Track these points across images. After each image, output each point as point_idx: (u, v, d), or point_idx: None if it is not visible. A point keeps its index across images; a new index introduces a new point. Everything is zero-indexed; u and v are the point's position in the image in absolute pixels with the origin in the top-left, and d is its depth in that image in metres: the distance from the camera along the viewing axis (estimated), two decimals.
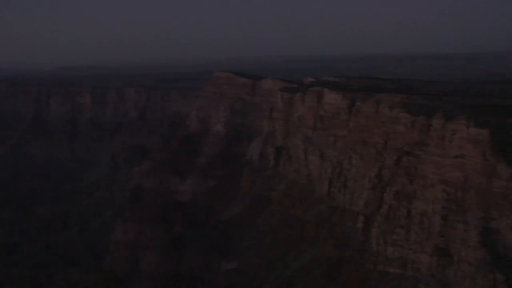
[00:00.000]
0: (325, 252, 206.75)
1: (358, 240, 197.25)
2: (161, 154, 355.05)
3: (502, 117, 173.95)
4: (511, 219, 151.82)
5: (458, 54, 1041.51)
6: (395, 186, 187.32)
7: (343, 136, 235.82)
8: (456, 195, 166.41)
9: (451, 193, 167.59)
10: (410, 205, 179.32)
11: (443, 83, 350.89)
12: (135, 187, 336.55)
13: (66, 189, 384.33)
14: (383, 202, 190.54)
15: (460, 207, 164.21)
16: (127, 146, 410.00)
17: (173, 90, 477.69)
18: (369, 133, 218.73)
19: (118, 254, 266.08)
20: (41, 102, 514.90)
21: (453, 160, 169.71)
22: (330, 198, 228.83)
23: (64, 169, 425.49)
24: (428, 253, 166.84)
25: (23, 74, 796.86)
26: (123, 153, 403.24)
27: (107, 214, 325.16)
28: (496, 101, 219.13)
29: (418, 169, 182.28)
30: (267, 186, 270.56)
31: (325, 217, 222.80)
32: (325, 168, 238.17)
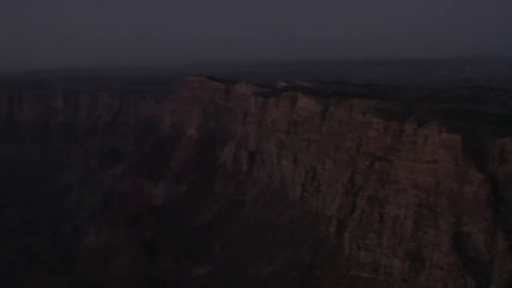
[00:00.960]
0: (298, 256, 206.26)
1: (331, 244, 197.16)
2: (134, 157, 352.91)
3: (474, 123, 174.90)
4: (482, 224, 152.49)
5: (429, 60, 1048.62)
6: (368, 191, 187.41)
7: (316, 141, 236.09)
8: (428, 200, 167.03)
9: (423, 198, 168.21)
10: (382, 209, 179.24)
11: (415, 89, 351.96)
12: (108, 190, 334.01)
13: (38, 193, 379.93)
14: (355, 206, 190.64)
15: (432, 212, 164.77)
16: (100, 150, 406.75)
17: (147, 93, 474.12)
18: (342, 138, 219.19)
19: (89, 258, 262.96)
20: (13, 105, 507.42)
21: (425, 165, 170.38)
22: (303, 202, 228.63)
23: (36, 172, 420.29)
24: (400, 258, 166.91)
25: None
26: (96, 157, 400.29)
27: (79, 218, 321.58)
28: (468, 107, 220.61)
29: (390, 174, 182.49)
30: (240, 190, 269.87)
31: (298, 221, 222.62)
32: (298, 172, 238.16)
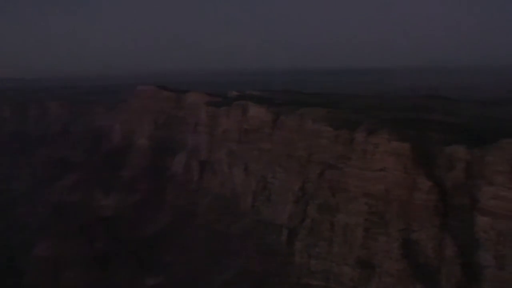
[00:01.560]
0: (250, 265, 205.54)
1: (282, 253, 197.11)
2: (84, 168, 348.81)
3: (422, 131, 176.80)
4: (430, 231, 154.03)
5: (378, 69, 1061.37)
6: (319, 199, 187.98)
7: (267, 150, 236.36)
8: (378, 208, 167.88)
9: (373, 205, 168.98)
10: (333, 218, 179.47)
11: (364, 97, 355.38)
12: (58, 202, 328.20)
13: None
14: (306, 215, 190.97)
15: (382, 220, 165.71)
16: (50, 160, 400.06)
17: (97, 103, 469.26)
18: (293, 146, 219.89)
19: (39, 270, 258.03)
20: None
21: (375, 173, 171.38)
22: (254, 211, 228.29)
23: None
24: (351, 266, 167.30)
25: None
26: (45, 167, 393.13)
27: (28, 230, 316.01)
28: (416, 115, 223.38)
29: (341, 182, 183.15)
30: (191, 200, 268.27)
31: (249, 230, 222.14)
32: (249, 181, 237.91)
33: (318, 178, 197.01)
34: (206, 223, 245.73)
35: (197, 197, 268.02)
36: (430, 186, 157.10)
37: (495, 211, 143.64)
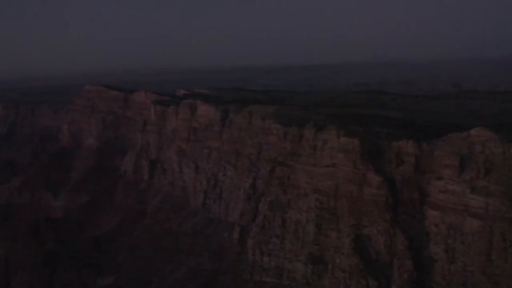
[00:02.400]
0: (201, 264, 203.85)
1: (234, 251, 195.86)
2: (32, 169, 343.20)
3: (370, 126, 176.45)
4: (381, 226, 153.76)
5: (325, 65, 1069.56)
6: (270, 196, 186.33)
7: (217, 148, 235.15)
8: (328, 204, 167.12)
9: (324, 201, 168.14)
10: (284, 214, 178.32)
11: (312, 94, 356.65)
12: (6, 204, 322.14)
13: None
14: (258, 212, 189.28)
15: (333, 215, 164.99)
16: None
17: (43, 104, 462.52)
18: (242, 144, 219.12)
19: None
20: None
21: (325, 169, 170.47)
22: (205, 210, 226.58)
23: None
24: (303, 262, 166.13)
25: None
26: None
27: None
28: (364, 111, 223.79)
29: (291, 179, 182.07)
30: (142, 200, 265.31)
31: (200, 229, 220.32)
32: (199, 180, 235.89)
33: (269, 175, 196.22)
34: (156, 222, 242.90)
35: (147, 196, 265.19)
36: (380, 181, 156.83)
37: (444, 204, 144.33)
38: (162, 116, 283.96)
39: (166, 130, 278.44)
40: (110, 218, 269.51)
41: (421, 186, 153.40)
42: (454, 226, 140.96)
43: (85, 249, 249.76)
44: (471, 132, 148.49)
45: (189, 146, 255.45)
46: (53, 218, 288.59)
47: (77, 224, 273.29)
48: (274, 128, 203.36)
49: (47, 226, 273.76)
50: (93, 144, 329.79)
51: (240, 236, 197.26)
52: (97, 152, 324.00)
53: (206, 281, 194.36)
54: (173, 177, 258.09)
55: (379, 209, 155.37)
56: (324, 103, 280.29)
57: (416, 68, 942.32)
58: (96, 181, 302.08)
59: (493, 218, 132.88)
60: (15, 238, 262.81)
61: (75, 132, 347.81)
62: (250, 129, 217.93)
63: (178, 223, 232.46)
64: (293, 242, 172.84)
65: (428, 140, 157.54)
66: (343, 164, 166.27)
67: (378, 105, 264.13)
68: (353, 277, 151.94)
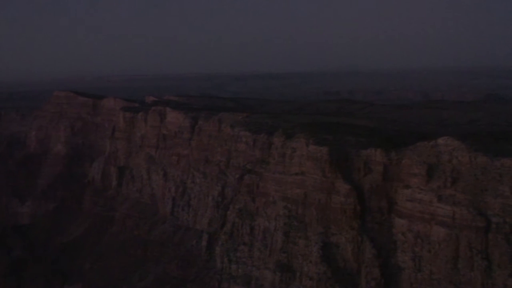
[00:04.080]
0: (169, 271, 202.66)
1: (202, 258, 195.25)
2: None
3: (339, 135, 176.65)
4: (349, 234, 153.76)
5: (291, 73, 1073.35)
6: (238, 204, 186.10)
7: (186, 155, 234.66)
8: (297, 212, 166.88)
9: (292, 209, 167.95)
10: (253, 222, 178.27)
11: (282, 102, 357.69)
12: None
13: None
14: (226, 220, 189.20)
15: (301, 223, 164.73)
16: None
17: (10, 109, 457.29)
18: (212, 151, 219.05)
19: None
20: None
21: (294, 177, 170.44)
22: (174, 217, 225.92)
23: None
24: (271, 269, 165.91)
25: None
26: None
27: None
28: (333, 119, 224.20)
29: (260, 187, 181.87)
30: (110, 207, 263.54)
31: (169, 236, 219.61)
32: (168, 187, 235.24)
33: (237, 183, 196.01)
34: (124, 229, 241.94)
35: (115, 203, 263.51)
36: (348, 190, 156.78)
37: (411, 213, 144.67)
38: (131, 122, 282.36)
39: (135, 137, 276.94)
40: (78, 225, 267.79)
41: (389, 194, 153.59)
42: (421, 235, 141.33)
43: (52, 256, 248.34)
44: (439, 141, 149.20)
45: (158, 153, 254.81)
46: (20, 224, 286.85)
47: (44, 231, 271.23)
48: (243, 135, 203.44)
49: (14, 232, 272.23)
50: (61, 151, 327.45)
51: (209, 243, 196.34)
52: (65, 158, 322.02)
53: None
54: (141, 184, 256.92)
55: (347, 217, 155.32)
56: (293, 111, 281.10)
57: (386, 77, 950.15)
58: (64, 187, 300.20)
59: (459, 226, 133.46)
60: None
61: (43, 138, 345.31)
62: (220, 137, 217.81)
63: (146, 231, 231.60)
64: (261, 250, 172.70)
65: (396, 148, 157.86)
66: (311, 172, 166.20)
67: (348, 113, 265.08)
68: (321, 285, 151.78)
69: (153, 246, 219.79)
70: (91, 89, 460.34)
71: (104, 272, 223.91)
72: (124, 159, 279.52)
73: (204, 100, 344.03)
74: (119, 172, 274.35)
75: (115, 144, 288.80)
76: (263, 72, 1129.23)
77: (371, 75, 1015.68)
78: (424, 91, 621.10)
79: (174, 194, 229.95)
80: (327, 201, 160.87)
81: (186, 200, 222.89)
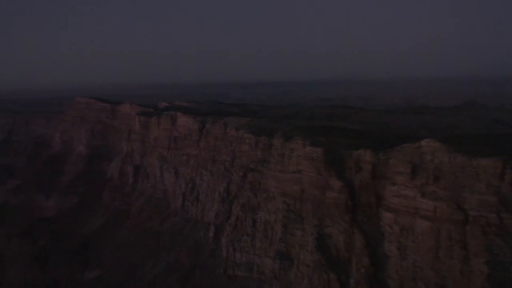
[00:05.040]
0: (179, 259, 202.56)
1: (209, 248, 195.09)
2: (27, 173, 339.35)
3: (333, 137, 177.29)
4: (341, 226, 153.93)
5: (290, 82, 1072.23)
6: (242, 199, 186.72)
7: (195, 155, 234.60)
8: (294, 206, 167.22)
9: (291, 204, 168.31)
10: (255, 215, 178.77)
11: (281, 107, 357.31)
12: (2, 204, 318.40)
13: None
14: (231, 213, 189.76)
15: (298, 216, 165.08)
16: None
17: (38, 114, 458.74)
18: (218, 152, 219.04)
19: None
20: None
21: (292, 175, 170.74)
22: (184, 211, 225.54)
23: None
24: (271, 258, 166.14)
25: None
26: None
27: None
28: (327, 123, 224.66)
29: (261, 184, 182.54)
30: (126, 201, 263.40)
31: (179, 228, 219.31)
32: (179, 184, 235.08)
33: (241, 180, 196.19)
34: (139, 222, 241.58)
35: (131, 198, 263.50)
36: (341, 186, 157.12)
37: (397, 207, 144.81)
38: (146, 126, 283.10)
39: (149, 138, 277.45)
40: (97, 217, 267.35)
41: (377, 190, 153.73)
42: (406, 227, 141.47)
43: (74, 246, 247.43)
44: (422, 143, 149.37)
45: (170, 153, 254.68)
46: (45, 217, 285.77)
47: (67, 223, 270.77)
48: (246, 137, 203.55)
49: (40, 225, 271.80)
50: (82, 151, 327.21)
51: (215, 234, 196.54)
52: (86, 158, 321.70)
53: (184, 276, 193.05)
54: (155, 181, 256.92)
55: (339, 211, 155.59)
56: (292, 115, 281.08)
57: (375, 85, 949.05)
58: (85, 184, 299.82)
59: (440, 220, 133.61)
60: (10, 236, 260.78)
61: (66, 140, 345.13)
62: (225, 139, 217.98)
63: (159, 223, 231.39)
64: (262, 240, 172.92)
65: (383, 149, 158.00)
66: (308, 171, 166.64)
67: (340, 118, 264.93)
68: (316, 272, 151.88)
69: (165, 237, 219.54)
70: (109, 96, 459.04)
71: (121, 260, 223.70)
72: (139, 159, 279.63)
73: (211, 106, 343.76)
74: (135, 170, 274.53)
75: (131, 145, 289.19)
76: (265, 81, 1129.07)
77: (361, 83, 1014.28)
78: (408, 98, 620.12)
79: (184, 190, 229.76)
80: (322, 196, 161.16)
81: (195, 196, 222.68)
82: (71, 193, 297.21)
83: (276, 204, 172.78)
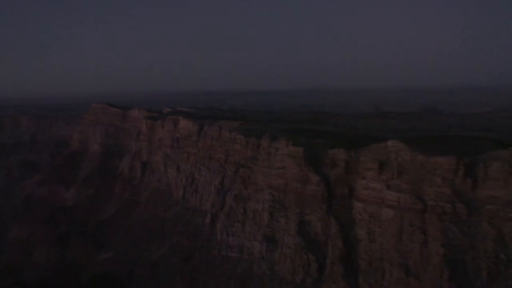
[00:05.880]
0: (181, 242, 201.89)
1: (206, 232, 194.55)
2: (49, 168, 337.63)
3: (311, 138, 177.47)
4: (319, 214, 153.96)
5: (276, 91, 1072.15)
6: (234, 191, 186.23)
7: (194, 153, 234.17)
8: (279, 197, 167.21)
9: (276, 195, 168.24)
10: (245, 205, 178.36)
11: (267, 113, 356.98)
12: (28, 195, 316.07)
13: None
14: (225, 203, 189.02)
15: (282, 206, 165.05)
16: (21, 163, 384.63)
17: (59, 117, 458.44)
18: (214, 150, 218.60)
19: (14, 249, 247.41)
20: None
21: (277, 170, 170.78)
22: (184, 201, 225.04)
23: None
24: (259, 241, 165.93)
25: None
26: (18, 168, 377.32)
27: (5, 217, 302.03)
28: (307, 126, 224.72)
29: (251, 178, 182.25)
30: (135, 193, 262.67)
31: (180, 215, 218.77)
32: (180, 178, 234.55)
33: (234, 175, 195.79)
34: (146, 210, 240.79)
35: (139, 190, 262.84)
36: (318, 180, 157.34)
37: (367, 198, 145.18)
38: (152, 128, 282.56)
39: (154, 139, 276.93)
40: (110, 206, 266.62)
41: (350, 184, 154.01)
42: (374, 215, 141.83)
43: (90, 230, 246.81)
44: (388, 143, 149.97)
45: (172, 151, 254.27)
46: (65, 206, 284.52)
47: (84, 211, 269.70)
48: (238, 138, 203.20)
49: (61, 212, 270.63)
50: (97, 149, 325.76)
51: (211, 221, 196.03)
52: (100, 155, 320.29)
53: (184, 256, 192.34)
54: (159, 175, 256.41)
55: (317, 201, 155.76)
56: (277, 119, 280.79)
57: (348, 94, 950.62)
58: (99, 178, 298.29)
59: (403, 208, 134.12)
60: (36, 222, 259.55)
61: (83, 140, 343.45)
62: (220, 139, 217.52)
63: (163, 211, 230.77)
64: (251, 226, 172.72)
65: (355, 149, 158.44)
66: (291, 167, 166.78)
67: (318, 122, 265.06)
68: (297, 253, 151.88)
69: (169, 223, 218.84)
70: (120, 102, 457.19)
71: (131, 243, 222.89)
72: (146, 156, 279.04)
73: (208, 111, 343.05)
74: (142, 166, 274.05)
75: (139, 144, 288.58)
76: (255, 90, 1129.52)
77: (336, 92, 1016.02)
78: (376, 104, 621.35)
79: (184, 183, 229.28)
80: (302, 189, 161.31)
81: (194, 188, 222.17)
82: (88, 186, 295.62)
83: (264, 195, 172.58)
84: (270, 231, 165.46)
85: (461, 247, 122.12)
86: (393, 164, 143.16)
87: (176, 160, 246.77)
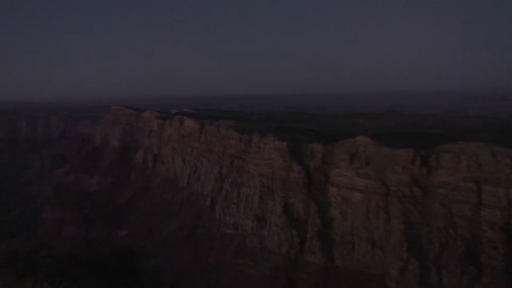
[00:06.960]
0: (186, 222, 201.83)
1: (207, 213, 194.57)
2: (75, 160, 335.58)
3: (294, 134, 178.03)
4: (301, 197, 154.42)
5: (266, 95, 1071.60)
6: (230, 178, 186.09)
7: (197, 147, 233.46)
8: (268, 183, 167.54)
9: (265, 182, 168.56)
10: (239, 190, 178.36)
11: (257, 114, 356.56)
12: (58, 182, 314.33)
13: (8, 184, 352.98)
14: (222, 188, 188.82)
15: (270, 191, 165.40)
16: (52, 156, 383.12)
17: (84, 117, 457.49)
18: (213, 145, 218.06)
19: (47, 228, 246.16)
20: None
21: (266, 161, 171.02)
22: (189, 187, 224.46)
23: (6, 171, 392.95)
24: (251, 220, 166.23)
25: None
26: (49, 160, 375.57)
27: (39, 201, 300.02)
28: (291, 125, 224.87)
29: (244, 167, 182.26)
30: (147, 180, 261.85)
31: (186, 199, 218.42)
32: (185, 168, 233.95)
33: (230, 165, 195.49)
34: (157, 195, 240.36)
35: (151, 178, 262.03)
36: (300, 169, 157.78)
37: (340, 184, 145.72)
38: (161, 126, 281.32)
39: (164, 135, 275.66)
40: (127, 192, 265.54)
41: (326, 172, 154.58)
42: (346, 198, 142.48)
43: (110, 212, 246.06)
44: (357, 139, 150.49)
45: (179, 146, 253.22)
46: (89, 192, 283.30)
47: (105, 196, 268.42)
48: (233, 135, 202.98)
49: (86, 197, 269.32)
50: (116, 144, 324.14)
51: (211, 204, 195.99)
52: (119, 149, 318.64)
53: (189, 233, 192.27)
54: (168, 166, 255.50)
55: (299, 186, 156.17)
56: (266, 119, 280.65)
57: (325, 98, 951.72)
58: (118, 168, 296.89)
59: (370, 192, 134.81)
60: (64, 205, 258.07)
61: (104, 136, 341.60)
62: (218, 136, 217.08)
63: (171, 195, 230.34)
64: (244, 207, 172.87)
65: (330, 143, 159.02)
66: (277, 158, 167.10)
67: (300, 121, 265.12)
68: (282, 230, 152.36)
69: (176, 206, 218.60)
70: (135, 105, 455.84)
71: (144, 222, 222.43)
72: (157, 150, 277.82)
73: (208, 112, 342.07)
74: (154, 158, 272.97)
75: (151, 140, 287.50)
76: (249, 95, 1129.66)
77: (316, 97, 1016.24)
78: (348, 107, 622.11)
79: (189, 172, 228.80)
80: (287, 176, 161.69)
81: (197, 176, 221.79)
82: (108, 175, 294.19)
83: (255, 182, 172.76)
84: (260, 211, 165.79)
85: (417, 224, 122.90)
86: (361, 156, 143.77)
87: (182, 153, 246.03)
